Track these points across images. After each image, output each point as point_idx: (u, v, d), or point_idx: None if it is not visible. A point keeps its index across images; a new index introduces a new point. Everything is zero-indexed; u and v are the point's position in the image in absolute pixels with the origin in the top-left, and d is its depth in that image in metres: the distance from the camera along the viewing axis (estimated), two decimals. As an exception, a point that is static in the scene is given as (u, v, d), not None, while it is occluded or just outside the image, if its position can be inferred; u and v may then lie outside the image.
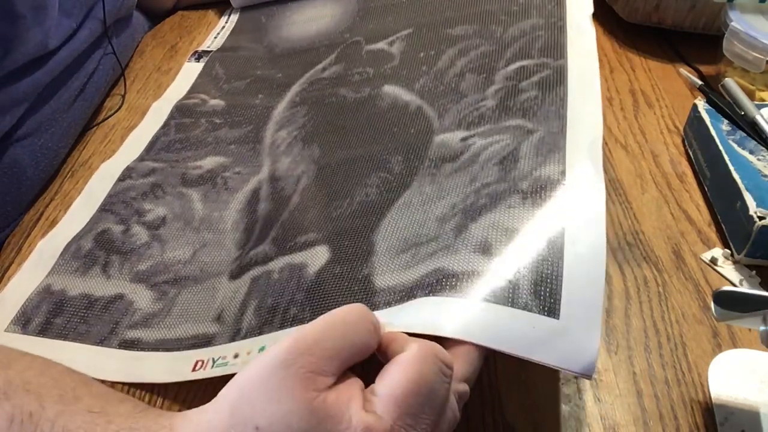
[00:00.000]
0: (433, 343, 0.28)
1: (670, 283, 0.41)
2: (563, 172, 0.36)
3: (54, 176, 0.53)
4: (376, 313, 0.30)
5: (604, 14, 0.69)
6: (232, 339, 0.36)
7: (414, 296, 0.32)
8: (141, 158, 0.52)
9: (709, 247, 0.44)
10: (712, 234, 0.45)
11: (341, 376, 0.27)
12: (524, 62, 0.48)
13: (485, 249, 0.33)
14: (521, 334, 0.29)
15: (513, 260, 0.32)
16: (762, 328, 0.30)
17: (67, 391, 0.28)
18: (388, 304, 0.33)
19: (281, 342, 0.27)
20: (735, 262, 0.42)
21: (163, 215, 0.46)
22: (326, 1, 0.68)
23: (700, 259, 0.43)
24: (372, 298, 0.34)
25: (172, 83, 0.61)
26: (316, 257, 0.39)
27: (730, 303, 0.31)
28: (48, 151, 0.51)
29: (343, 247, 0.38)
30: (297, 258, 0.39)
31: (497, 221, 0.34)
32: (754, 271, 0.42)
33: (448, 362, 0.28)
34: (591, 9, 0.52)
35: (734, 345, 0.38)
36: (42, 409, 0.27)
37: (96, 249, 0.43)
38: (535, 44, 0.50)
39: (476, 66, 0.51)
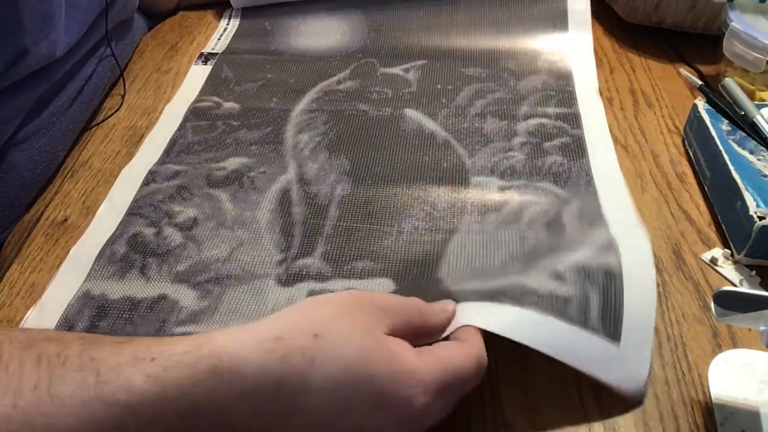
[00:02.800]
0: (485, 355, 0.32)
1: (670, 283, 0.41)
2: (612, 244, 0.40)
3: (53, 177, 0.53)
4: (463, 306, 0.35)
5: (604, 14, 0.69)
6: None
7: (498, 300, 0.36)
8: (162, 161, 0.52)
9: (709, 247, 0.44)
10: (712, 234, 0.45)
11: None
12: (542, 120, 0.54)
13: (557, 276, 0.37)
14: (587, 354, 0.34)
15: (583, 288, 0.37)
16: (762, 328, 0.30)
17: (86, 337, 0.28)
18: (466, 299, 0.36)
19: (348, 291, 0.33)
20: (735, 262, 0.42)
21: (194, 216, 0.46)
22: (333, 16, 0.68)
23: (700, 259, 0.43)
24: (449, 296, 0.37)
25: (181, 86, 0.61)
26: (383, 288, 0.40)
27: (730, 303, 0.31)
28: (46, 154, 0.51)
29: (407, 282, 0.40)
30: (360, 285, 0.40)
31: (563, 258, 0.39)
32: (754, 271, 0.42)
33: (483, 372, 0.31)
34: (594, 75, 0.59)
35: (734, 345, 0.38)
36: (67, 348, 0.27)
37: (131, 252, 0.43)
38: (550, 102, 0.56)
39: (496, 110, 0.56)
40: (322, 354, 0.26)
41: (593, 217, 0.43)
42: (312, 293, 0.40)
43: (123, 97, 0.61)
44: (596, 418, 0.34)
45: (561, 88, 0.58)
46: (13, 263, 0.45)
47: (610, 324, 0.35)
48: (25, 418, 0.25)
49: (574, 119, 0.54)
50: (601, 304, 0.36)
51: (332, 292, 0.40)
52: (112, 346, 0.27)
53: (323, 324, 0.27)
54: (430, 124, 0.54)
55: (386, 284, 0.40)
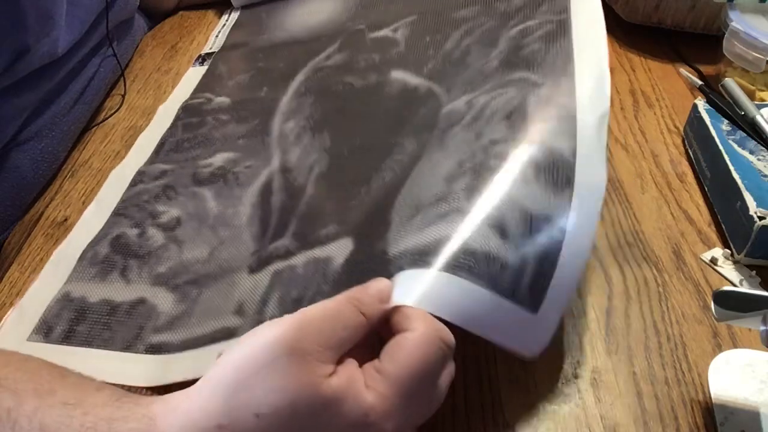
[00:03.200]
0: (439, 325, 0.29)
1: (670, 283, 0.41)
2: (574, 153, 0.35)
3: (54, 177, 0.53)
4: (391, 281, 0.31)
5: (604, 14, 0.69)
6: None
7: (426, 262, 0.32)
8: (151, 161, 0.51)
9: (709, 247, 0.44)
10: (712, 234, 0.45)
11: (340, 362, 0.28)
12: (528, 23, 0.47)
13: (501, 230, 0.33)
14: (500, 323, 0.31)
15: (523, 252, 0.32)
16: (762, 328, 0.30)
17: (42, 384, 0.28)
18: (401, 268, 0.33)
19: (280, 326, 0.27)
20: (735, 262, 0.42)
21: (178, 216, 0.46)
22: None
23: (700, 259, 0.43)
24: (387, 267, 0.34)
25: (177, 86, 0.61)
26: (341, 250, 0.38)
27: (730, 303, 0.31)
28: (48, 155, 0.51)
29: (363, 235, 0.38)
30: (321, 252, 0.39)
31: (513, 197, 0.34)
32: (754, 271, 0.42)
33: (450, 344, 0.29)
34: None
35: (734, 345, 0.38)
36: (19, 404, 0.26)
37: (113, 254, 0.43)
38: (540, 8, 0.49)
39: (482, 40, 0.50)
40: None
41: (562, 112, 0.37)
42: (276, 273, 0.39)
43: (123, 97, 0.61)
44: (596, 418, 0.34)
45: None
46: (13, 263, 0.45)
47: (536, 294, 0.32)
48: None
49: (563, 4, 0.47)
50: (533, 273, 0.32)
51: (295, 266, 0.38)
52: (64, 412, 0.26)
53: (263, 399, 0.25)
54: (413, 81, 0.51)
55: (346, 244, 0.38)
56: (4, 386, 0.27)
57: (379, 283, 0.31)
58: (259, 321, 0.36)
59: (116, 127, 0.58)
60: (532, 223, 0.33)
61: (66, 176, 0.53)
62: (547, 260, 0.32)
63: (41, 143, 0.51)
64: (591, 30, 0.43)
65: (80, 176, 0.52)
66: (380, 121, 0.48)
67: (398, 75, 0.52)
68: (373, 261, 0.35)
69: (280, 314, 0.35)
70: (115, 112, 0.59)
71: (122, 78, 0.63)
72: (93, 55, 0.58)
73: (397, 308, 0.30)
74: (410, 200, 0.38)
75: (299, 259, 0.39)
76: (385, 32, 0.58)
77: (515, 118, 0.37)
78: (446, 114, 0.44)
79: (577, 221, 0.33)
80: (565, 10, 0.46)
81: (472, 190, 0.34)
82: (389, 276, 0.32)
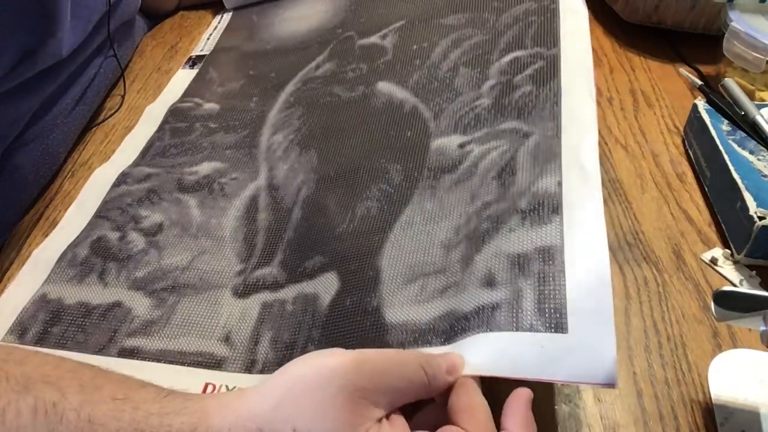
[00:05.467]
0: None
1: (670, 283, 0.41)
2: (560, 183, 0.35)
3: (54, 177, 0.53)
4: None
5: (604, 14, 0.69)
6: (248, 370, 0.36)
7: (428, 342, 0.33)
8: (136, 163, 0.51)
9: (709, 247, 0.44)
10: (712, 234, 0.45)
11: (389, 414, 0.27)
12: (518, 53, 0.48)
13: (490, 281, 0.33)
14: (532, 357, 0.28)
15: (515, 285, 0.32)
16: (762, 328, 0.30)
17: (86, 381, 0.28)
18: (402, 345, 0.33)
19: (343, 356, 0.27)
20: (735, 262, 0.42)
21: (160, 222, 0.45)
22: None
23: (700, 259, 0.43)
24: (384, 335, 0.34)
25: (166, 87, 0.61)
26: (327, 287, 0.38)
27: (730, 303, 0.31)
28: (48, 156, 0.51)
29: (349, 273, 0.38)
30: (309, 287, 0.39)
31: (500, 249, 0.34)
32: (754, 271, 0.42)
33: None
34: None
35: (734, 345, 0.38)
36: (64, 398, 0.26)
37: (92, 256, 0.43)
38: (528, 31, 0.49)
39: (470, 59, 0.50)
40: None
41: (548, 155, 0.37)
42: (265, 305, 0.39)
43: (123, 97, 0.61)
44: (596, 418, 0.34)
45: (544, 9, 0.50)
46: (13, 263, 0.45)
47: (551, 315, 0.29)
48: None
49: (553, 37, 0.47)
50: (536, 297, 0.30)
51: (284, 301, 0.39)
52: (113, 407, 0.26)
53: (305, 418, 0.26)
54: (400, 93, 0.51)
55: (332, 280, 0.38)
56: (47, 382, 0.27)
57: (454, 357, 0.30)
58: (250, 359, 0.36)
59: (116, 127, 0.58)
60: (519, 261, 0.32)
61: (66, 176, 0.53)
62: (548, 281, 0.31)
63: (42, 144, 0.51)
64: (580, 67, 0.43)
65: (80, 176, 0.52)
66: (366, 140, 0.48)
67: (385, 87, 0.52)
68: (367, 317, 0.35)
69: (274, 357, 0.36)
70: (115, 113, 0.59)
71: (122, 78, 0.63)
72: (95, 57, 0.58)
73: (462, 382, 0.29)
74: (402, 257, 0.38)
75: (288, 293, 0.39)
76: (373, 39, 0.58)
77: (506, 176, 0.38)
78: (436, 151, 0.43)
79: (576, 237, 0.32)
80: (556, 42, 0.46)
81: (467, 260, 0.35)
82: (385, 345, 0.33)
